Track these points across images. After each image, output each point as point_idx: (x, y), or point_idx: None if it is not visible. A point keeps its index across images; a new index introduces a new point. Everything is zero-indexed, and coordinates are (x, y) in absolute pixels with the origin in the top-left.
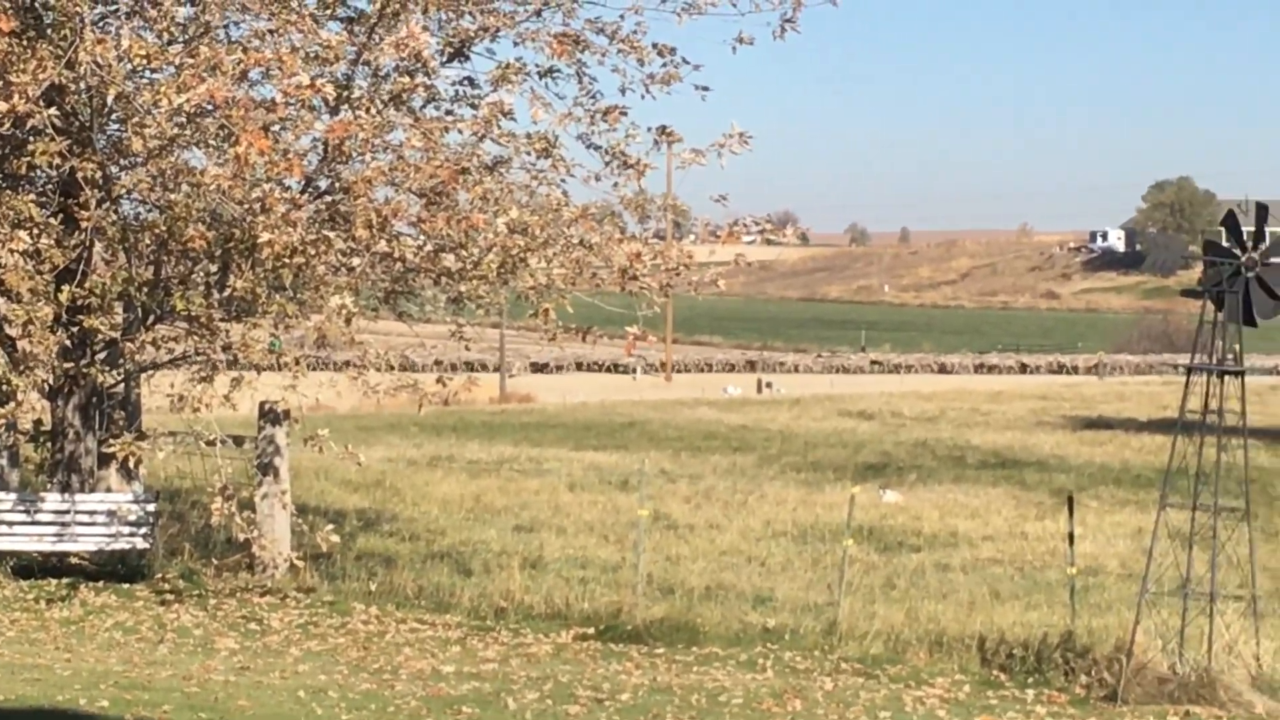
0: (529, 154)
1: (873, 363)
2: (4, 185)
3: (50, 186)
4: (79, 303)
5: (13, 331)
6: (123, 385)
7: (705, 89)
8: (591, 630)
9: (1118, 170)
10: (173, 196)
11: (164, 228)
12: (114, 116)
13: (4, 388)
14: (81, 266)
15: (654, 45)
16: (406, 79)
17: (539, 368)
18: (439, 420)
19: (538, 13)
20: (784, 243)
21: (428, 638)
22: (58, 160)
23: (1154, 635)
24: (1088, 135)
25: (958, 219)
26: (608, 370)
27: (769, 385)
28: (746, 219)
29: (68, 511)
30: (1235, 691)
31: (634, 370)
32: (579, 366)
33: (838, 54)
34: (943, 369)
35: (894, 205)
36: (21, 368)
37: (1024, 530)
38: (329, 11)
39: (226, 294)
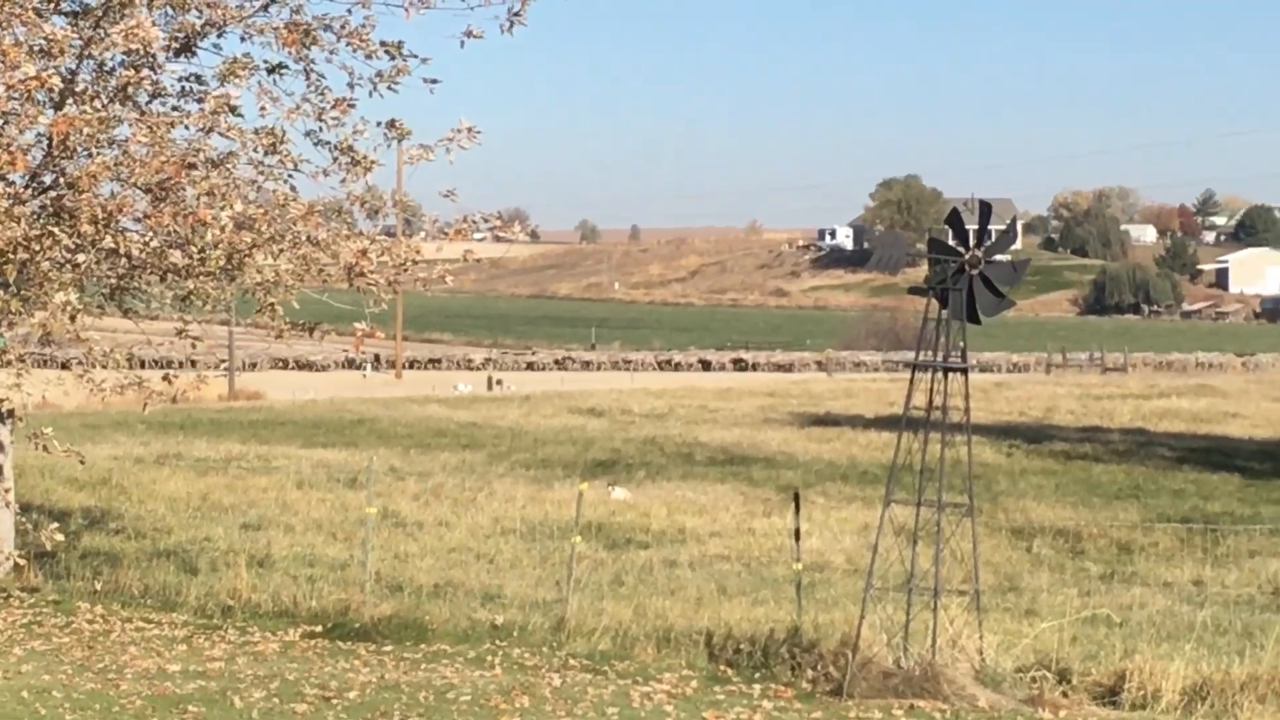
0: (256, 149)
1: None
2: None
3: None
4: None
5: None
6: None
7: (434, 81)
8: (319, 628)
9: (846, 168)
10: None
11: None
12: None
13: None
14: None
15: (382, 42)
16: (132, 72)
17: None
18: (166, 418)
19: (265, 7)
20: (514, 239)
21: (154, 636)
22: None
23: (879, 630)
24: (816, 133)
25: (688, 217)
26: (342, 367)
27: (499, 382)
28: (476, 215)
29: None
30: (959, 685)
31: (364, 367)
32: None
33: (567, 50)
34: (675, 366)
35: (624, 203)
36: None
37: (751, 527)
38: (53, 5)
39: None
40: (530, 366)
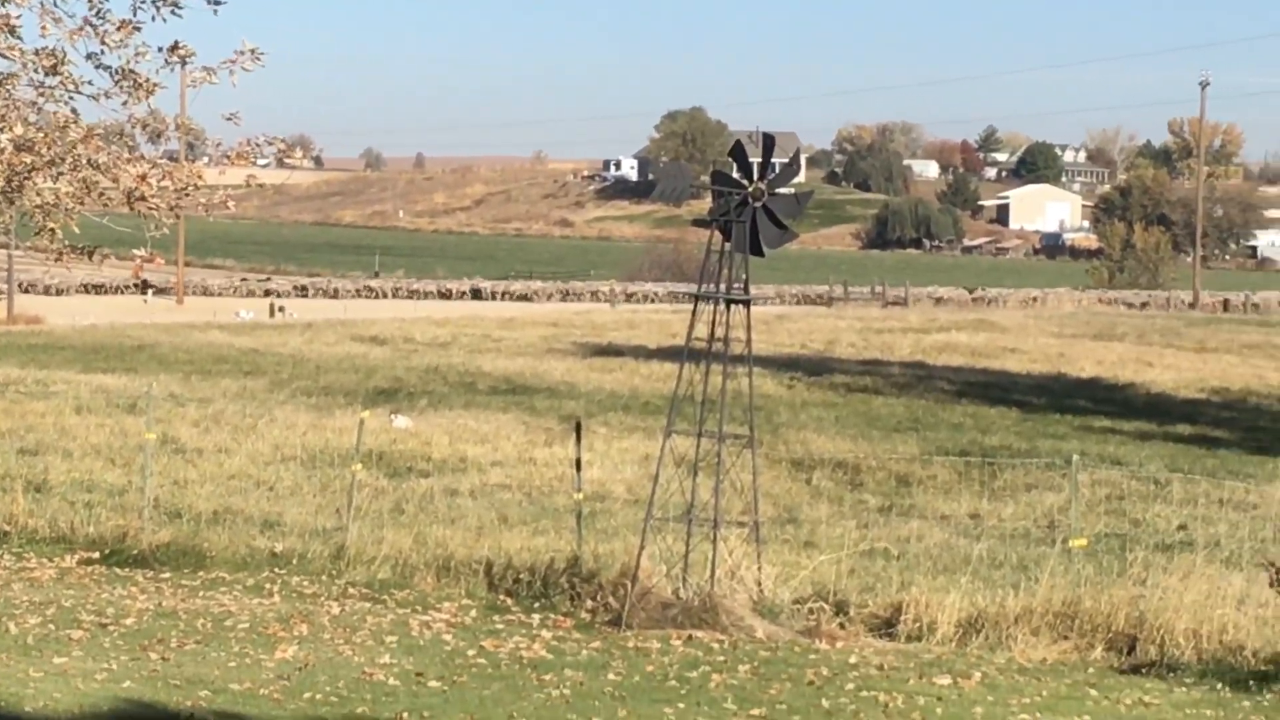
0: (36, 70)
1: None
2: None
3: None
4: None
5: None
6: None
7: (218, 3)
8: (96, 554)
9: (633, 100)
10: None
11: None
12: None
13: None
14: None
15: None
16: None
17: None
18: None
19: None
20: (298, 165)
21: None
22: None
23: (659, 561)
24: (602, 64)
25: (473, 145)
26: (118, 291)
27: (282, 309)
28: (259, 139)
29: None
30: (737, 616)
31: (146, 292)
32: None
33: None
34: (460, 294)
35: (409, 131)
36: None
37: (533, 456)
38: None
39: None
40: (309, 291)
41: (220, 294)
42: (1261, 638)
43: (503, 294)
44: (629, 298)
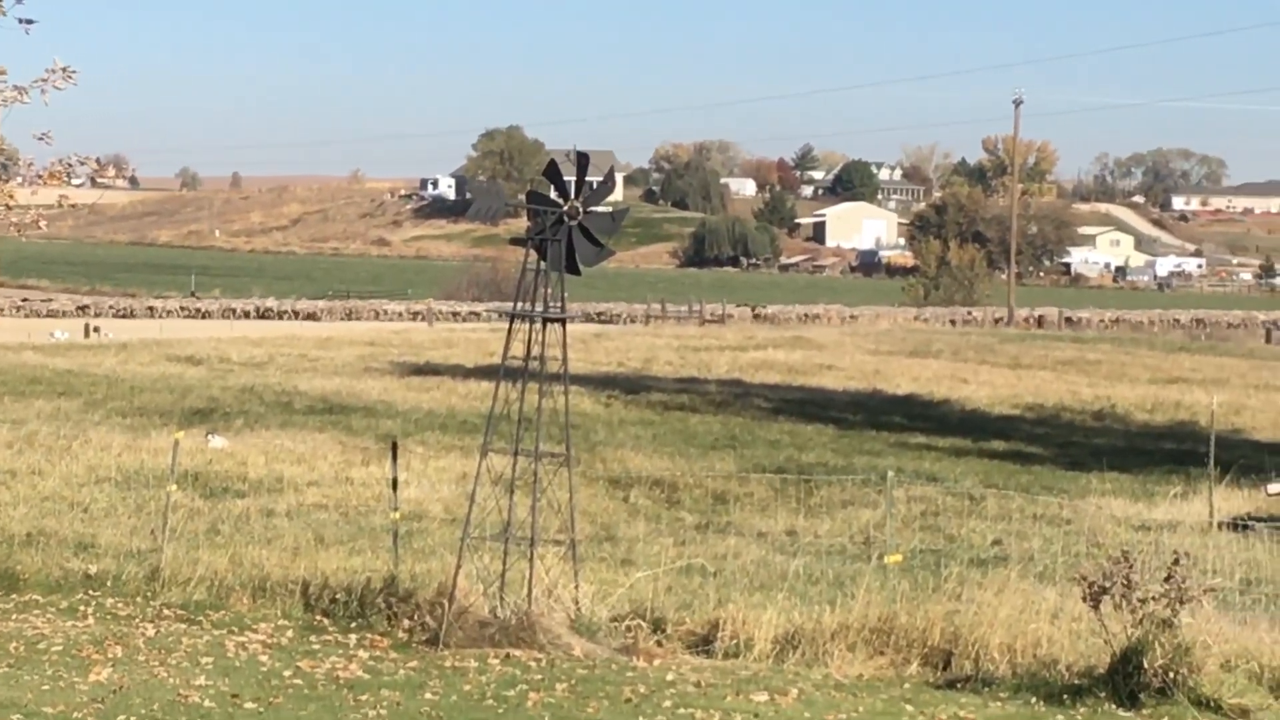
0: None
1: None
2: None
3: None
4: None
5: None
6: None
7: (29, 22)
8: None
9: (450, 118)
10: None
11: None
12: None
13: None
14: None
15: None
16: None
17: None
18: None
19: None
20: (112, 185)
21: None
22: None
23: (476, 579)
24: (420, 82)
25: (290, 164)
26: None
27: (97, 330)
28: (73, 159)
29: None
30: (554, 634)
31: None
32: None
33: None
34: (278, 314)
35: (225, 149)
36: None
37: (350, 475)
38: None
39: None
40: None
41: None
42: (1075, 651)
43: (321, 313)
44: (448, 316)
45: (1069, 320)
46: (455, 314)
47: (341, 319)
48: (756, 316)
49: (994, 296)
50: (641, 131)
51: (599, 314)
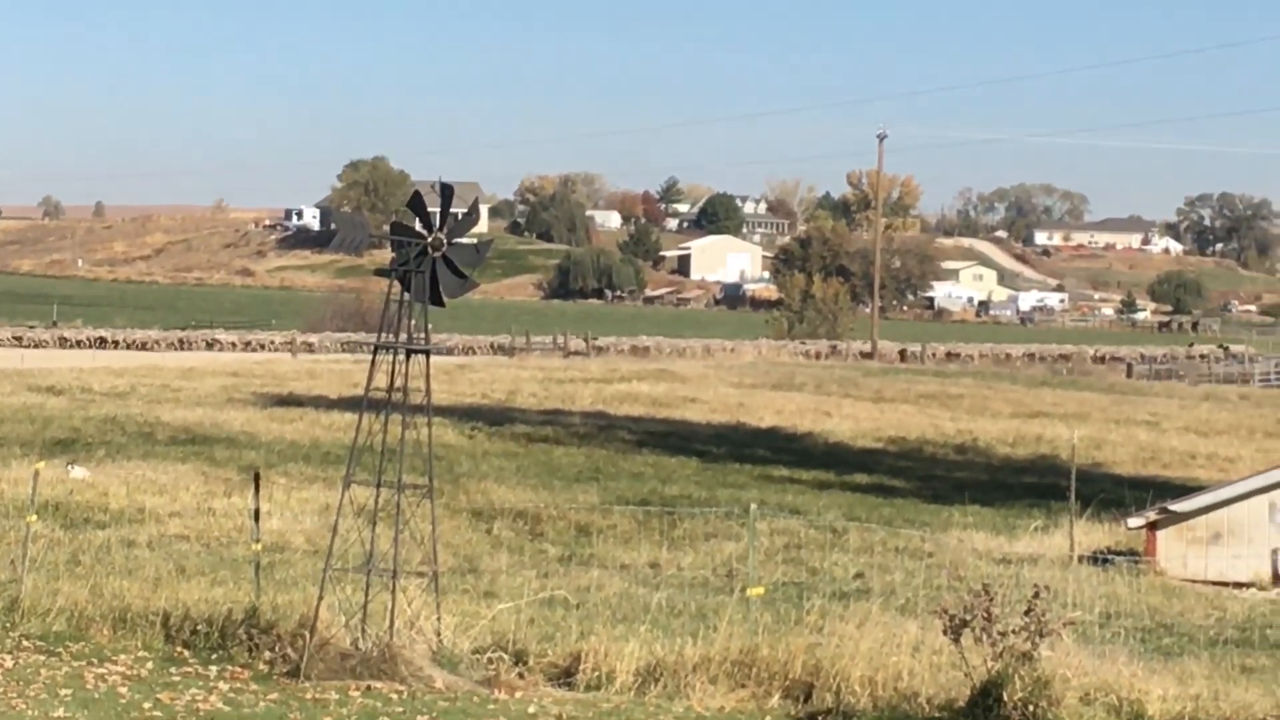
0: None
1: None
2: None
3: None
4: None
5: None
6: None
7: None
8: None
9: (316, 149)
10: None
11: None
12: None
13: None
14: None
15: None
16: None
17: None
18: None
19: None
20: None
21: None
22: None
23: (338, 611)
24: (285, 111)
25: (154, 194)
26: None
27: None
28: None
29: None
30: (416, 666)
31: None
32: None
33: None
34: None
35: (89, 178)
36: None
37: (212, 506)
38: None
39: None
40: None
41: None
42: (936, 684)
43: (183, 343)
44: (311, 348)
45: (931, 354)
46: (319, 345)
47: (204, 349)
48: (636, 350)
49: (858, 330)
50: (507, 163)
51: (464, 347)
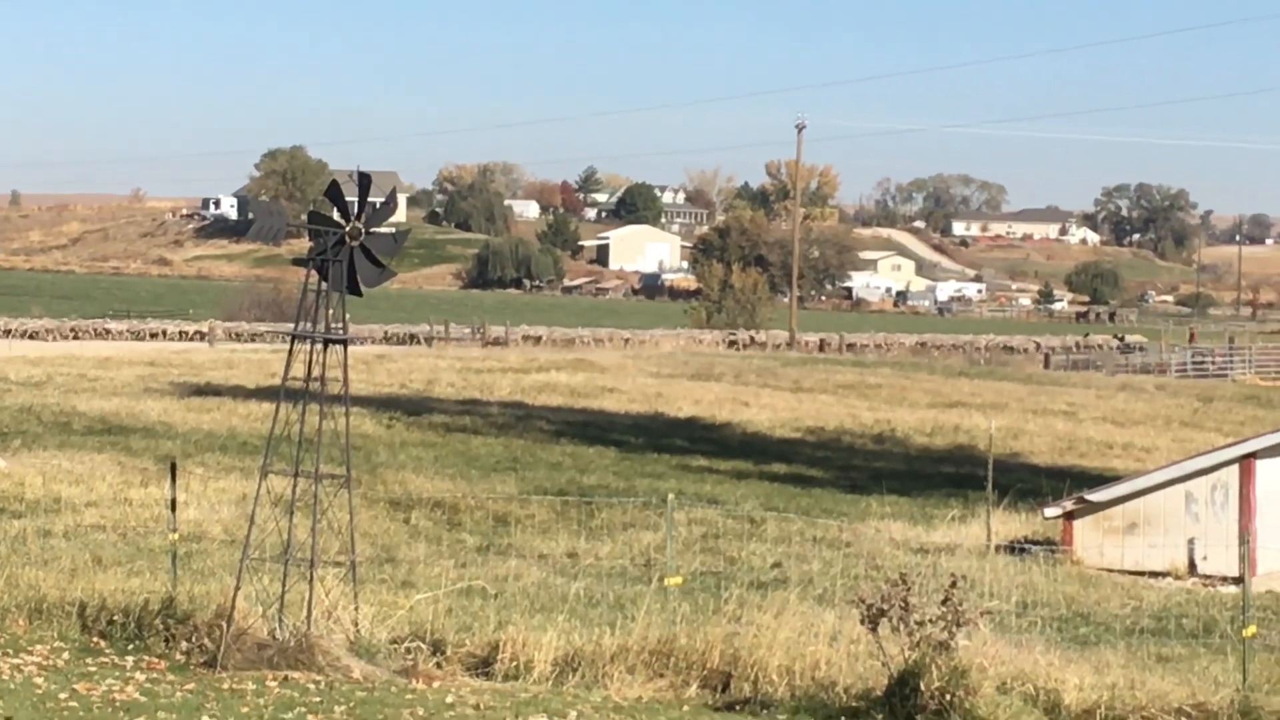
0: None
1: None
2: None
3: None
4: None
5: None
6: None
7: None
8: None
9: (232, 137)
10: None
11: None
12: None
13: None
14: None
15: None
16: None
17: None
18: None
19: None
20: None
21: None
22: None
23: (255, 601)
24: (202, 100)
25: (70, 183)
26: None
27: None
28: None
29: None
30: (334, 656)
31: None
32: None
33: None
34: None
35: (4, 167)
36: None
37: (128, 496)
38: None
39: None
40: None
41: None
42: (853, 674)
43: (99, 332)
44: (230, 337)
45: (849, 344)
46: (237, 334)
47: (122, 338)
48: (560, 341)
49: (776, 320)
50: (426, 153)
51: (385, 335)
